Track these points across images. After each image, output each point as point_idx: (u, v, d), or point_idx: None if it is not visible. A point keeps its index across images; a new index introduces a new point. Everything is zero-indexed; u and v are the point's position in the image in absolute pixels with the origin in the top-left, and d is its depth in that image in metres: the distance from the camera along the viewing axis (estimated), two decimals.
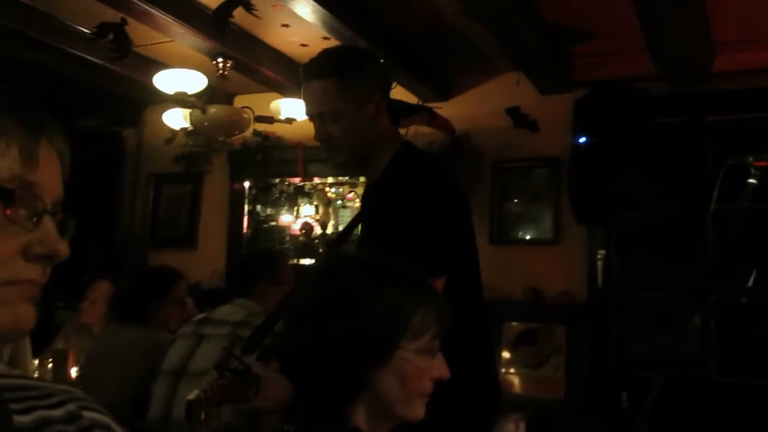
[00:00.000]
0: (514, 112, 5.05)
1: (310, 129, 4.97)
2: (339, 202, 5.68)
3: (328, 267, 1.41)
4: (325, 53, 2.07)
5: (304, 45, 4.81)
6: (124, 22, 3.90)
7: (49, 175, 0.79)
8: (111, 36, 3.89)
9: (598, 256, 4.63)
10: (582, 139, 4.35)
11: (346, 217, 5.53)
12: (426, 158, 2.06)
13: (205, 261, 5.87)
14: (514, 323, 4.86)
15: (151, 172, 6.26)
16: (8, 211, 0.74)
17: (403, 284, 1.33)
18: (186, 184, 6.14)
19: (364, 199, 2.13)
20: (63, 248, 0.79)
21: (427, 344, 1.31)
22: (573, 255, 4.82)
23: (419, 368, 1.29)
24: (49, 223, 0.78)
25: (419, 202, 1.85)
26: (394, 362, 1.27)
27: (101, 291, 4.17)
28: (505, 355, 4.83)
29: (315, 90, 2.01)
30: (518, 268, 4.96)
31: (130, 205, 6.36)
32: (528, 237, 5.04)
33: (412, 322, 1.29)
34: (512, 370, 4.80)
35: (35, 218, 0.77)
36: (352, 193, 5.59)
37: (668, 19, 3.95)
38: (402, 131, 4.94)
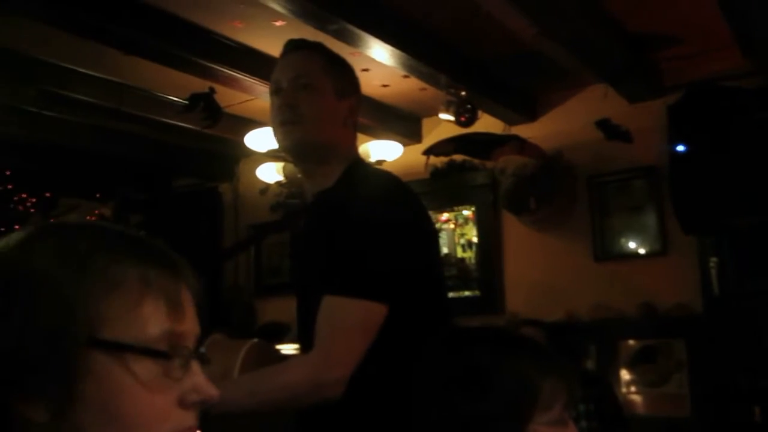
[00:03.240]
0: (604, 125, 4.92)
1: (399, 167, 5.00)
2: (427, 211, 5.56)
3: (448, 341, 1.38)
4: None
5: (385, 86, 4.85)
6: (212, 91, 4.02)
7: (191, 319, 0.81)
8: (201, 106, 4.01)
9: (711, 264, 4.46)
10: (680, 147, 4.23)
11: (444, 239, 5.49)
12: (383, 174, 1.90)
13: None
14: (631, 341, 4.72)
15: (250, 223, 6.38)
16: (165, 369, 0.76)
17: (527, 355, 1.29)
18: (285, 231, 6.23)
19: (311, 208, 1.89)
20: (215, 392, 0.81)
21: (559, 414, 1.26)
22: (684, 265, 4.65)
23: None
24: (196, 368, 0.79)
25: (371, 220, 1.69)
26: None
27: None
28: (624, 374, 4.69)
29: (298, 57, 1.85)
30: (627, 284, 4.82)
31: (233, 258, 6.50)
32: (634, 250, 4.90)
33: (541, 394, 1.24)
34: (633, 389, 4.66)
35: (185, 366, 0.78)
36: (445, 215, 5.54)
37: (755, 10, 3.81)
38: (492, 163, 4.93)
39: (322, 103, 1.80)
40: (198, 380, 0.79)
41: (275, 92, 1.84)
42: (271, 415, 1.75)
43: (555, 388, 1.26)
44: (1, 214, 6.45)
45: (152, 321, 0.75)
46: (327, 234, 1.74)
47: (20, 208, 6.48)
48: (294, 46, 1.89)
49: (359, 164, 1.87)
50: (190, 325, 0.80)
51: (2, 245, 0.77)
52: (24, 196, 6.40)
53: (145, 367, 0.74)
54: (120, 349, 0.73)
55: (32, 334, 0.70)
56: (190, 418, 0.79)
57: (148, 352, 0.74)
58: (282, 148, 1.89)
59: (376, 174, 1.90)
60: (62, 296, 0.72)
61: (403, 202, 1.79)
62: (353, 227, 1.69)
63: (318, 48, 1.90)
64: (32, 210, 6.61)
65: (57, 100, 4.62)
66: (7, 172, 5.90)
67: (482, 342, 1.30)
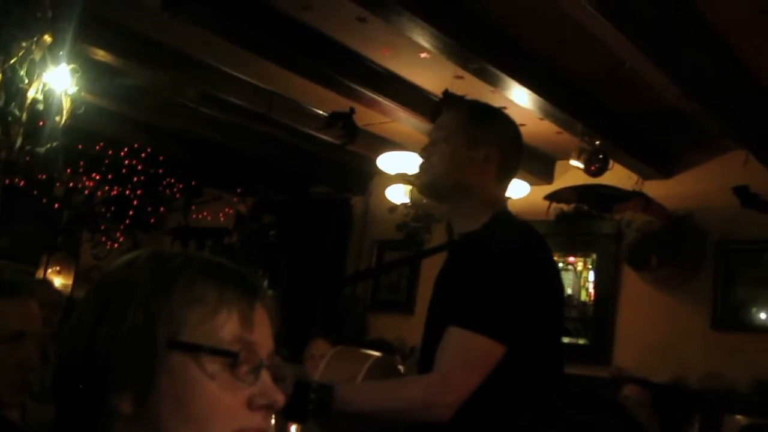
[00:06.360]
0: (742, 192, 4.78)
1: (525, 205, 5.06)
2: (560, 264, 5.56)
3: (543, 404, 1.41)
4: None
5: (522, 125, 4.89)
6: (352, 111, 4.23)
7: (263, 333, 0.93)
8: (340, 124, 4.23)
9: None
10: None
11: (569, 279, 5.48)
12: (526, 227, 2.01)
13: (422, 327, 6.03)
14: (738, 416, 4.57)
15: (375, 238, 6.55)
16: (235, 370, 0.88)
17: (614, 415, 1.33)
18: (407, 251, 6.36)
19: (456, 246, 2.03)
20: (280, 398, 0.92)
21: None
22: None
23: None
24: (266, 376, 0.91)
25: (503, 263, 1.82)
26: None
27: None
28: None
29: (446, 115, 2.10)
30: (744, 357, 4.67)
31: (355, 268, 6.69)
32: (756, 324, 4.74)
33: None
34: None
35: (255, 373, 0.90)
36: (574, 257, 5.52)
37: None
38: (617, 216, 4.91)
39: (451, 152, 1.99)
40: (266, 387, 0.91)
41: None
42: (382, 428, 1.87)
43: None
44: (149, 195, 6.93)
45: (225, 328, 0.88)
46: (465, 272, 1.87)
47: (167, 192, 6.93)
48: (447, 106, 2.22)
49: (506, 215, 2.02)
50: (262, 337, 0.92)
51: (115, 264, 0.95)
52: (172, 181, 6.84)
53: (217, 368, 0.87)
54: (194, 349, 0.86)
55: (121, 338, 0.85)
56: (257, 420, 0.90)
57: (217, 351, 0.87)
58: (416, 186, 2.18)
59: (520, 226, 2.04)
60: (149, 306, 0.86)
61: (540, 258, 1.93)
62: (489, 269, 1.82)
63: (465, 104, 2.17)
64: (178, 195, 7.06)
65: (213, 100, 4.97)
66: (161, 158, 6.34)
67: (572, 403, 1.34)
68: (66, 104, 3.05)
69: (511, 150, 2.05)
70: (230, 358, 0.88)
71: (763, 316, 4.74)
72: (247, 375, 0.89)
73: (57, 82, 3.07)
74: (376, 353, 1.99)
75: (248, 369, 0.89)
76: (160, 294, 0.87)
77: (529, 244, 1.92)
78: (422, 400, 1.74)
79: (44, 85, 2.99)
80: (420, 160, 2.08)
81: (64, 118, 3.06)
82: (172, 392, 0.85)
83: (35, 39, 2.90)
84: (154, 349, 0.85)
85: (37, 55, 2.91)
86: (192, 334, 0.87)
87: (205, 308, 0.88)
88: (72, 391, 0.88)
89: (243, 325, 0.90)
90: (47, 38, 2.91)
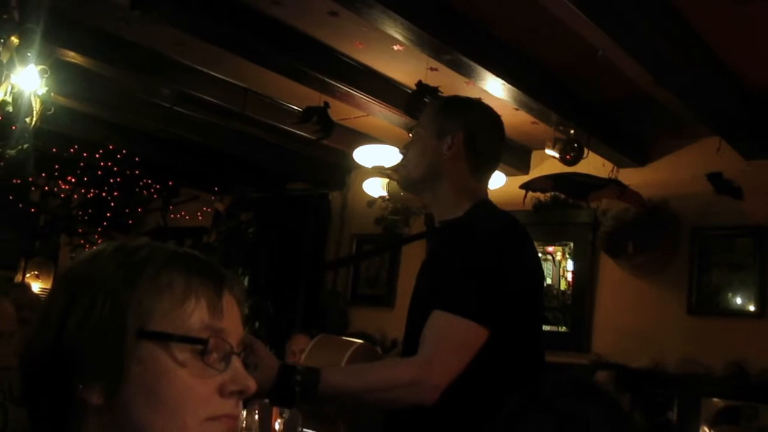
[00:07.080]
0: (716, 178, 4.83)
1: (501, 196, 5.09)
2: (539, 254, 5.58)
3: (531, 392, 1.41)
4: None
5: None
6: (327, 106, 4.23)
7: (232, 320, 0.94)
8: (315, 119, 4.22)
9: None
10: None
11: (548, 269, 5.51)
12: (507, 216, 2.02)
13: (402, 320, 6.03)
14: (715, 399, 4.63)
15: (354, 232, 6.56)
16: (205, 358, 0.89)
17: (602, 403, 1.32)
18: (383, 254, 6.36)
19: (437, 233, 2.05)
20: (252, 384, 0.93)
21: None
22: None
23: None
24: (237, 362, 0.92)
25: (486, 249, 1.84)
26: None
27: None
28: None
29: (424, 112, 2.15)
30: (719, 341, 4.72)
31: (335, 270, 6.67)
32: (730, 308, 4.80)
33: None
34: None
35: (225, 360, 0.91)
36: (553, 247, 5.56)
37: None
38: (593, 204, 4.94)
39: (421, 146, 2.03)
40: (237, 373, 0.91)
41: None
42: (367, 412, 1.89)
43: None
44: (127, 197, 6.89)
45: (193, 316, 0.89)
46: (448, 256, 1.87)
47: (144, 192, 6.89)
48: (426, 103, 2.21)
49: (488, 204, 2.04)
50: (231, 325, 0.93)
51: (76, 259, 0.94)
52: (149, 181, 6.81)
53: (187, 356, 0.88)
54: (163, 338, 0.87)
55: (90, 328, 0.86)
56: (228, 407, 0.90)
57: (186, 339, 0.88)
58: (398, 184, 2.24)
59: (503, 214, 2.05)
60: (116, 296, 0.86)
61: (522, 245, 1.94)
62: (473, 253, 1.83)
63: (441, 98, 2.31)
64: (155, 196, 7.02)
65: (187, 99, 4.95)
66: (137, 159, 6.30)
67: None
68: (36, 105, 3.02)
69: (480, 136, 2.03)
70: (200, 346, 0.88)
71: (737, 300, 4.79)
72: (218, 362, 0.89)
73: (26, 83, 3.04)
74: (359, 340, 2.00)
75: (218, 356, 0.90)
76: (127, 284, 0.87)
77: (511, 232, 1.93)
78: (408, 382, 1.73)
79: (13, 87, 2.97)
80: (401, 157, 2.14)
81: (34, 119, 3.03)
82: (142, 381, 0.85)
83: (2, 41, 2.88)
84: (123, 338, 0.85)
85: (4, 57, 2.89)
86: (161, 323, 0.87)
87: (173, 297, 0.88)
88: (42, 384, 0.88)
89: (211, 313, 0.90)
90: (14, 40, 2.89)
